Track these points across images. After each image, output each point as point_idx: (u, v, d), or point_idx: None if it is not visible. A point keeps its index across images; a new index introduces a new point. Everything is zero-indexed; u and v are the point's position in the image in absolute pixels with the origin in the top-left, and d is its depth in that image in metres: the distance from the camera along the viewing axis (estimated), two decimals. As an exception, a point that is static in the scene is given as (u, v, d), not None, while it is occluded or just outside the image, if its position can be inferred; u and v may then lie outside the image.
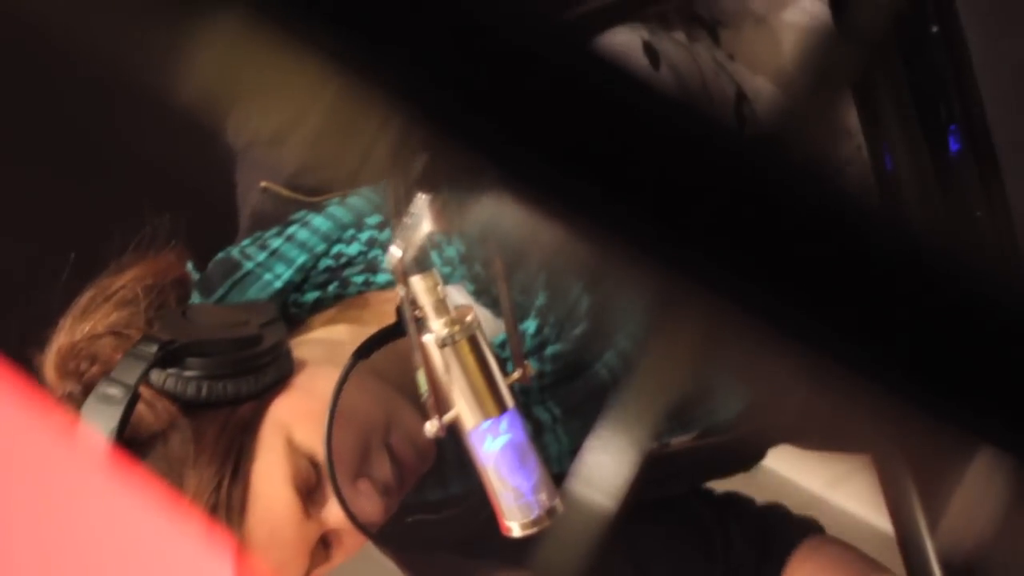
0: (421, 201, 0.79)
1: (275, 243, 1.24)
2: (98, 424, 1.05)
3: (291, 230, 1.24)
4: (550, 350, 1.24)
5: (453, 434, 0.90)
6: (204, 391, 1.09)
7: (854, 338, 0.38)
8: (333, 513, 1.11)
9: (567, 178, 0.34)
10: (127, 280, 1.18)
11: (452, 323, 0.86)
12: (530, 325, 1.24)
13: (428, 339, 0.87)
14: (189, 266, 1.26)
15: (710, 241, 0.36)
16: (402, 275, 0.84)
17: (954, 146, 1.01)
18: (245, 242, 1.26)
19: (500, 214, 0.37)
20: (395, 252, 0.83)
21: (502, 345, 1.19)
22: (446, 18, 0.35)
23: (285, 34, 0.35)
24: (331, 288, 1.24)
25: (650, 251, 0.35)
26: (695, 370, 0.42)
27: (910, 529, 0.90)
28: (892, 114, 0.98)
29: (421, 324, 0.87)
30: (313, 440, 1.10)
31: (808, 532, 1.39)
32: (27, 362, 1.16)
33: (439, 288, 0.86)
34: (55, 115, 1.62)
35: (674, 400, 0.53)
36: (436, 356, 0.87)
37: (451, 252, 1.23)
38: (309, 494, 1.10)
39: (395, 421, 1.15)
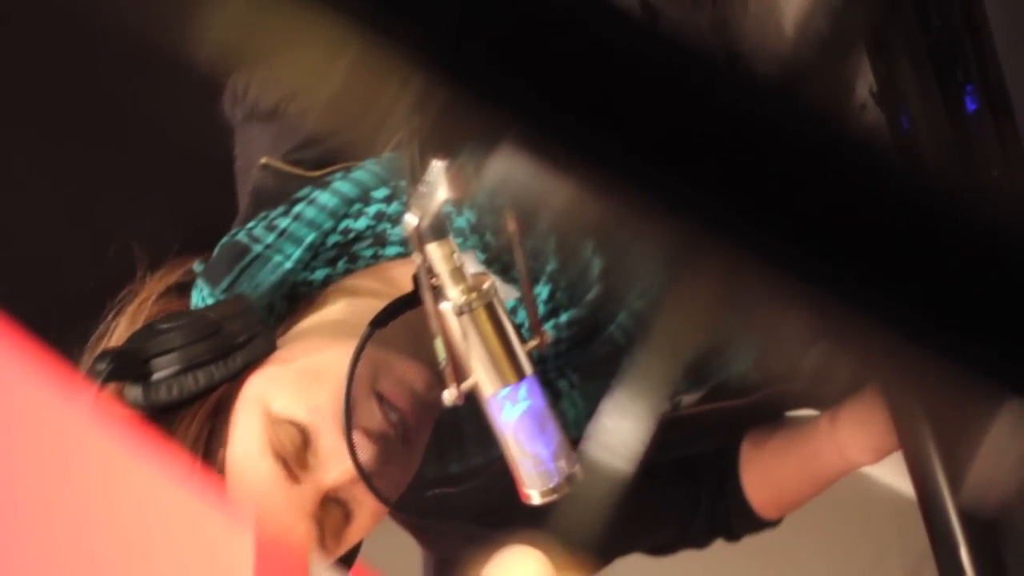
0: (437, 168, 0.78)
1: (283, 223, 1.23)
2: None
3: (298, 208, 1.24)
4: (564, 316, 1.23)
5: (472, 406, 0.90)
6: (175, 389, 1.10)
7: (875, 289, 0.38)
8: (329, 472, 1.11)
9: (582, 132, 0.34)
10: (137, 304, 1.20)
11: (469, 290, 0.86)
12: (542, 291, 1.23)
13: (445, 307, 0.86)
14: (196, 267, 1.26)
15: (725, 192, 0.35)
16: (418, 243, 0.84)
17: (971, 106, 1.01)
18: (251, 223, 1.26)
19: (514, 172, 0.37)
20: (411, 220, 0.83)
21: (513, 311, 1.19)
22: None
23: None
24: (340, 264, 1.24)
25: (666, 203, 0.35)
26: (711, 324, 0.42)
27: (931, 490, 0.90)
28: (909, 74, 0.98)
29: (438, 292, 0.86)
30: (291, 405, 1.11)
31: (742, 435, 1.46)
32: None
33: (455, 256, 0.85)
34: (65, 79, 1.62)
35: (688, 361, 0.53)
36: (454, 324, 0.87)
37: (462, 222, 1.23)
38: (298, 459, 1.10)
39: (381, 370, 1.14)
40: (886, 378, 0.43)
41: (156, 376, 1.11)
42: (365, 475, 1.08)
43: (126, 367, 1.11)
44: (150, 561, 0.65)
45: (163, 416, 1.11)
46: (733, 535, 1.48)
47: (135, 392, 1.11)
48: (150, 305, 1.21)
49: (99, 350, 1.16)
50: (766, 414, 1.44)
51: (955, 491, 0.88)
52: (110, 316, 1.22)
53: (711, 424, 1.38)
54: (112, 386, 1.11)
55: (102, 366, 1.10)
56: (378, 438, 1.12)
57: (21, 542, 0.64)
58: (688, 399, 1.35)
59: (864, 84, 1.13)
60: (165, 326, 1.14)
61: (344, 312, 1.21)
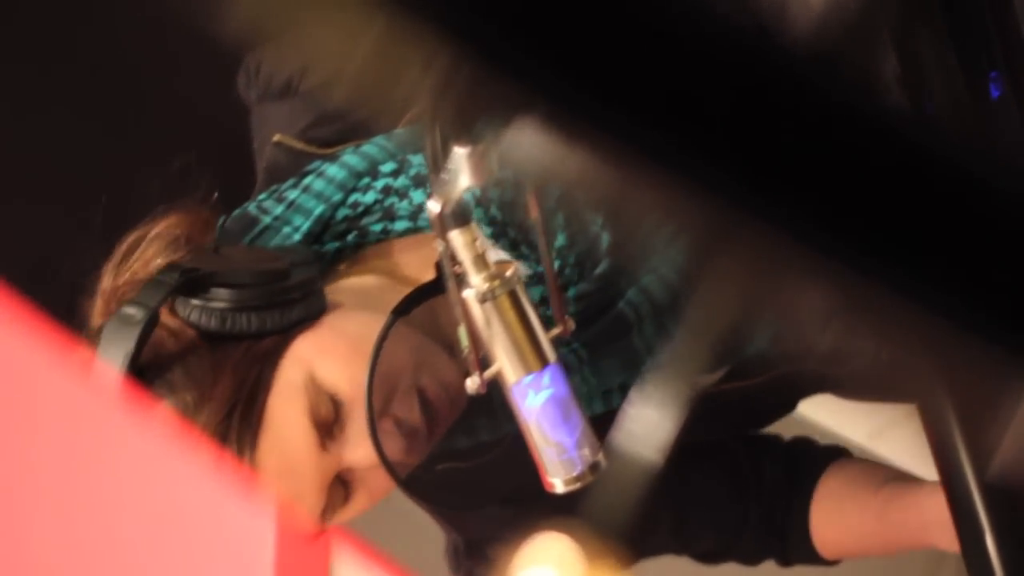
0: (458, 155, 0.78)
1: (292, 195, 1.24)
2: (116, 344, 1.06)
3: (307, 181, 1.24)
4: (572, 291, 1.23)
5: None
6: (228, 322, 1.10)
7: (901, 270, 0.38)
8: (353, 452, 1.11)
9: (604, 106, 0.34)
10: (166, 226, 1.19)
11: (492, 278, 0.86)
12: None
13: (468, 294, 0.86)
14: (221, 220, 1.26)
15: (748, 169, 0.35)
16: (441, 230, 0.84)
17: (995, 92, 1.00)
18: (262, 196, 1.26)
19: (528, 146, 0.37)
20: (433, 207, 0.83)
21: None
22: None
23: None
24: (350, 238, 1.24)
25: (690, 180, 0.35)
26: (739, 307, 0.42)
27: (955, 474, 0.89)
28: (933, 60, 0.97)
29: (461, 279, 0.86)
30: (336, 377, 1.11)
31: (835, 457, 1.43)
32: (75, 310, 1.18)
33: (478, 243, 0.86)
34: (78, 52, 1.62)
35: (717, 346, 0.53)
36: (477, 311, 0.87)
37: (467, 195, 1.22)
38: (327, 430, 1.11)
39: (426, 365, 1.14)
40: (909, 359, 0.43)
41: (213, 304, 1.11)
42: (386, 460, 1.08)
43: (193, 286, 1.10)
44: (168, 550, 0.65)
45: (210, 340, 1.12)
46: (786, 561, 1.45)
47: (189, 308, 1.11)
48: (183, 233, 1.19)
49: (125, 267, 1.16)
50: (779, 396, 1.43)
51: (980, 475, 0.87)
52: (132, 241, 1.20)
53: (721, 406, 1.36)
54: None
55: (172, 277, 1.09)
56: (408, 431, 1.12)
57: (29, 525, 0.64)
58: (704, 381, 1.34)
59: (888, 69, 1.12)
60: (237, 258, 1.15)
61: (375, 287, 1.21)
